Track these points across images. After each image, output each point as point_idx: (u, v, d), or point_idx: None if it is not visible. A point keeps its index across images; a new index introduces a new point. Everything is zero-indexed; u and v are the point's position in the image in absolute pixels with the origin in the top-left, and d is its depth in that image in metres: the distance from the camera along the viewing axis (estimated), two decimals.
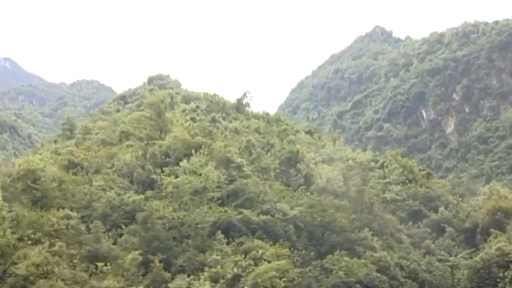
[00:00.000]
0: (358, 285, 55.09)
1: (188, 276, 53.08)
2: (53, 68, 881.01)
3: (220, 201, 64.39)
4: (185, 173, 65.75)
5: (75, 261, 53.07)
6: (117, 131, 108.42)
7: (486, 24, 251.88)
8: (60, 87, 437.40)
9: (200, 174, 65.20)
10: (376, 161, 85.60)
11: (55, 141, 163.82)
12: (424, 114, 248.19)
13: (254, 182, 69.13)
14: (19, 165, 68.88)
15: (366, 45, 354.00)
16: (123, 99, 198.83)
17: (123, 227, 61.05)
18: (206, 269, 53.23)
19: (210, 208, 62.18)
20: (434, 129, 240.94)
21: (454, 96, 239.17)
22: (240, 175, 71.36)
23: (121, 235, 61.58)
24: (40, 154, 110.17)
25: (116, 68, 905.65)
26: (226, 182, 66.98)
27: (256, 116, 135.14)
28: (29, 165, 67.11)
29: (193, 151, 72.48)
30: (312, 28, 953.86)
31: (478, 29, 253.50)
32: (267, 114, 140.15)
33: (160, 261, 54.89)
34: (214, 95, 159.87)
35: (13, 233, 53.99)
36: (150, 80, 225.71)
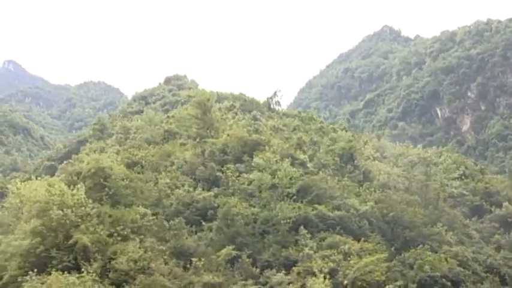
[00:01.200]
0: (443, 280, 55.15)
1: (279, 271, 53.05)
2: (54, 70, 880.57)
3: (294, 197, 64.39)
4: (259, 170, 65.74)
5: (165, 257, 53.19)
6: (157, 130, 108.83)
7: (499, 22, 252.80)
8: (67, 89, 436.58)
9: (274, 171, 65.15)
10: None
11: (85, 142, 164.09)
12: (439, 112, 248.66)
13: (322, 178, 69.31)
14: (87, 164, 68.74)
15: (374, 45, 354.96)
16: (144, 99, 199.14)
17: (203, 223, 61.08)
18: (299, 263, 53.29)
19: (284, 204, 62.27)
20: (450, 127, 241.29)
21: (469, 94, 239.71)
22: (306, 171, 71.49)
23: (196, 232, 61.65)
24: (87, 154, 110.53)
25: (118, 69, 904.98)
26: (302, 178, 66.94)
27: (287, 115, 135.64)
28: (98, 163, 67.03)
29: (266, 147, 72.58)
30: (316, 28, 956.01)
31: (491, 27, 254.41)
32: (299, 112, 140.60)
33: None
34: (241, 94, 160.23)
35: (101, 229, 54.03)
36: (168, 80, 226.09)
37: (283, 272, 52.73)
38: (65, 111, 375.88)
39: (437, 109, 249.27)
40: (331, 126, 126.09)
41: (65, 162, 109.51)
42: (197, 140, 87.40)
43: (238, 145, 79.89)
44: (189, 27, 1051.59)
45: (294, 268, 53.46)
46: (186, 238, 58.37)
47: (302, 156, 74.22)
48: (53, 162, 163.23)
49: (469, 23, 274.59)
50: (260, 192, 63.58)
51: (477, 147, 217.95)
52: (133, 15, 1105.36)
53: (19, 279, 46.84)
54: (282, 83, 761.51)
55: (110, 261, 50.25)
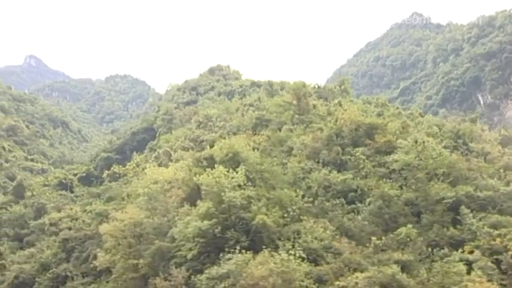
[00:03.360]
0: None
1: (456, 250, 52.47)
2: (73, 64, 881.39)
3: (441, 178, 63.74)
4: (406, 152, 65.09)
5: (337, 236, 52.88)
6: (242, 117, 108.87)
7: None
8: (92, 83, 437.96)
9: (419, 152, 64.47)
10: None
11: (138, 133, 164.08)
12: (481, 98, 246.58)
13: (459, 159, 68.74)
14: (220, 149, 68.48)
15: (404, 32, 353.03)
16: (195, 89, 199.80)
17: (358, 204, 60.82)
18: (467, 242, 52.80)
19: (439, 185, 61.71)
20: (493, 114, 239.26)
21: None
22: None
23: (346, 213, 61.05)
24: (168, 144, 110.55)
25: (133, 61, 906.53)
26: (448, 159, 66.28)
27: (354, 102, 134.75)
28: (233, 148, 66.81)
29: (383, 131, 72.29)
30: (337, 19, 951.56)
31: None
32: (369, 98, 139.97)
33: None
34: (300, 81, 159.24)
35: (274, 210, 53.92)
36: (212, 71, 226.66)
37: (460, 251, 52.03)
38: (94, 104, 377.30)
39: (479, 95, 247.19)
40: (408, 111, 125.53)
41: (154, 153, 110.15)
42: (303, 125, 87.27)
43: (352, 129, 79.48)
44: (207, 16, 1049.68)
45: (465, 247, 52.83)
46: (342, 218, 58.12)
47: (430, 139, 73.32)
48: (109, 154, 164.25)
49: (508, 7, 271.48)
50: (410, 171, 62.97)
51: None
52: (147, 7, 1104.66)
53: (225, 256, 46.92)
54: (307, 72, 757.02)
55: (294, 241, 50.03)
